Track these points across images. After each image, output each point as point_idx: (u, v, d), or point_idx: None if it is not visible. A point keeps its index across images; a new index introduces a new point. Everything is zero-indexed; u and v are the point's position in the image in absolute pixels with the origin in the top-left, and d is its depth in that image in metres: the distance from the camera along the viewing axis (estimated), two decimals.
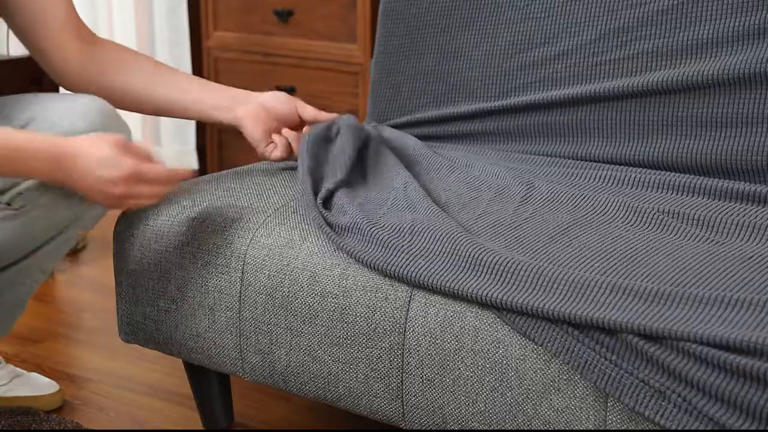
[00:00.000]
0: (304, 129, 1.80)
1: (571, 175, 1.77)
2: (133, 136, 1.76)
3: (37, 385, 1.98)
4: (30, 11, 1.72)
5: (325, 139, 1.78)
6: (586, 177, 1.76)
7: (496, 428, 1.43)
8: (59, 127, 1.62)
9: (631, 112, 1.80)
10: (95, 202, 1.59)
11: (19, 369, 2.01)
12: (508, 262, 1.41)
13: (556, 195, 1.67)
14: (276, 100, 1.80)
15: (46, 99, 1.70)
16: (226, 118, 1.79)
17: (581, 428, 1.36)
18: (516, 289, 1.39)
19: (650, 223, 1.58)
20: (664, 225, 1.56)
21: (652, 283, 1.36)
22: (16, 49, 2.78)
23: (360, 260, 1.51)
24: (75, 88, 1.78)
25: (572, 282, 1.37)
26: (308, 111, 1.82)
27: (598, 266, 1.42)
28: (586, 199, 1.65)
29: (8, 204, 1.65)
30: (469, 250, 1.45)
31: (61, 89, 2.14)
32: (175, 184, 1.63)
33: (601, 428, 1.35)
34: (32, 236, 1.69)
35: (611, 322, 1.29)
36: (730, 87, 1.71)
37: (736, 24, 1.71)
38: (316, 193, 1.65)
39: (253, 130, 1.78)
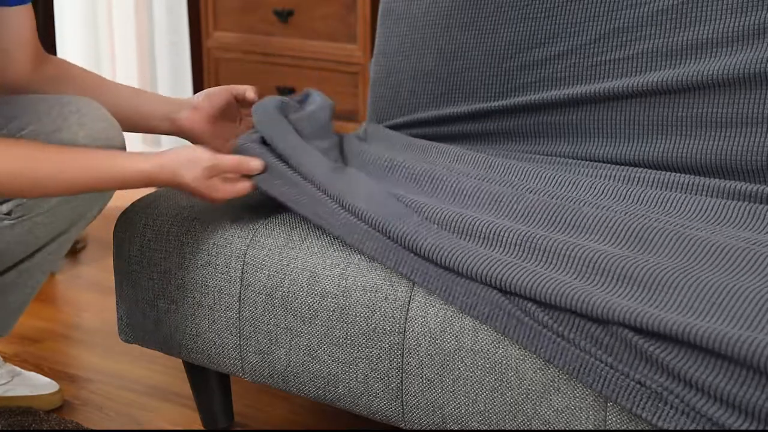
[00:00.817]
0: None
1: (572, 173, 1.77)
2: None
3: (37, 385, 1.98)
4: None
5: (285, 109, 1.75)
6: (585, 175, 1.76)
7: (496, 428, 1.43)
8: (57, 138, 1.61)
9: (631, 112, 1.80)
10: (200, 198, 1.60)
11: (18, 368, 2.01)
12: (496, 229, 1.44)
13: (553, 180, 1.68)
14: (208, 97, 1.77)
15: (36, 103, 1.68)
16: (165, 128, 1.78)
17: (581, 428, 1.36)
18: (502, 252, 1.41)
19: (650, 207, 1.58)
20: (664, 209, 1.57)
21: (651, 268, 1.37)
22: None
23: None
24: None
25: (566, 254, 1.39)
26: (246, 91, 1.78)
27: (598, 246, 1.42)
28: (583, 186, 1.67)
29: (8, 214, 1.64)
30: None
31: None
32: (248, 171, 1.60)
33: (601, 428, 1.35)
34: (34, 241, 1.69)
35: (605, 307, 1.30)
36: (730, 87, 1.71)
37: (736, 24, 1.71)
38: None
39: (200, 137, 1.76)
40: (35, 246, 1.70)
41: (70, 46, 3.21)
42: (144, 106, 1.77)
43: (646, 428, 1.31)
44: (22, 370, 2.01)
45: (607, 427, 1.34)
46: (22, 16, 1.70)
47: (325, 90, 2.91)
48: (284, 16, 2.96)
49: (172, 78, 3.31)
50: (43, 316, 2.41)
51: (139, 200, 1.80)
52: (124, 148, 1.66)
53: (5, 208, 1.63)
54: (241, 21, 3.07)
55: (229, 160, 1.57)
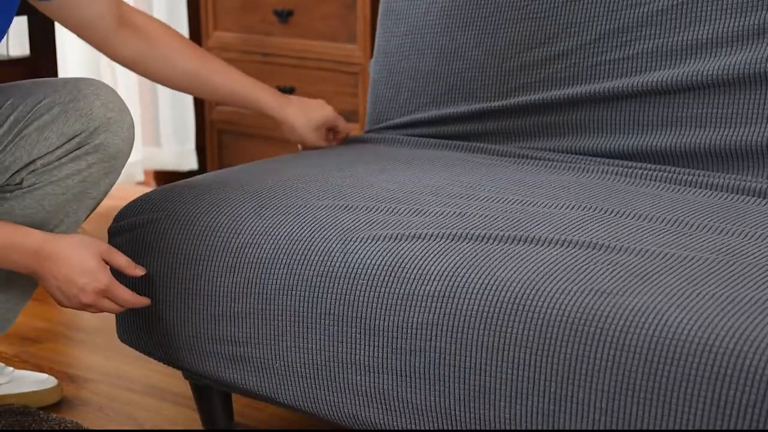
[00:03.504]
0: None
1: (572, 169, 1.77)
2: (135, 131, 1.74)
3: (28, 382, 1.97)
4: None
5: None
6: (585, 171, 1.76)
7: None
8: (74, 106, 1.63)
9: (631, 112, 1.81)
10: (56, 300, 1.63)
11: (9, 368, 1.99)
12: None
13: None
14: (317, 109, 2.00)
15: (52, 83, 1.68)
16: (274, 113, 1.96)
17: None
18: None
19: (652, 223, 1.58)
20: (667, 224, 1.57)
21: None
22: (16, 49, 2.78)
23: None
24: (122, 61, 1.85)
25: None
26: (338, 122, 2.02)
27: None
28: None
29: (18, 184, 1.65)
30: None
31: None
32: (137, 306, 1.67)
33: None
34: (43, 215, 1.68)
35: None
36: (730, 87, 1.71)
37: (736, 24, 1.72)
38: None
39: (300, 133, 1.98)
40: (43, 222, 1.68)
41: (70, 46, 3.21)
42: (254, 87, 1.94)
43: (645, 428, 1.31)
44: (14, 369, 2.00)
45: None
46: None
47: (325, 90, 2.92)
48: (284, 16, 2.96)
49: None
50: (43, 316, 2.41)
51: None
52: (131, 119, 1.69)
53: (18, 178, 1.64)
54: (241, 21, 3.07)
55: (122, 256, 1.65)
